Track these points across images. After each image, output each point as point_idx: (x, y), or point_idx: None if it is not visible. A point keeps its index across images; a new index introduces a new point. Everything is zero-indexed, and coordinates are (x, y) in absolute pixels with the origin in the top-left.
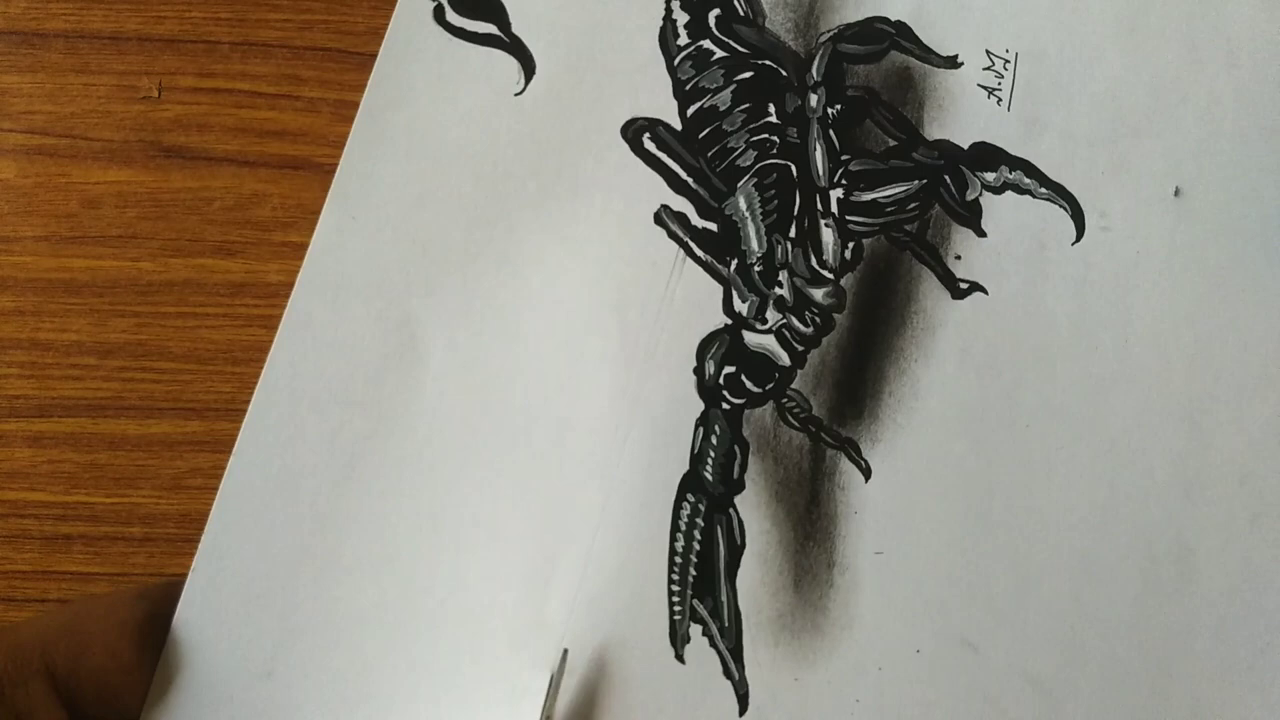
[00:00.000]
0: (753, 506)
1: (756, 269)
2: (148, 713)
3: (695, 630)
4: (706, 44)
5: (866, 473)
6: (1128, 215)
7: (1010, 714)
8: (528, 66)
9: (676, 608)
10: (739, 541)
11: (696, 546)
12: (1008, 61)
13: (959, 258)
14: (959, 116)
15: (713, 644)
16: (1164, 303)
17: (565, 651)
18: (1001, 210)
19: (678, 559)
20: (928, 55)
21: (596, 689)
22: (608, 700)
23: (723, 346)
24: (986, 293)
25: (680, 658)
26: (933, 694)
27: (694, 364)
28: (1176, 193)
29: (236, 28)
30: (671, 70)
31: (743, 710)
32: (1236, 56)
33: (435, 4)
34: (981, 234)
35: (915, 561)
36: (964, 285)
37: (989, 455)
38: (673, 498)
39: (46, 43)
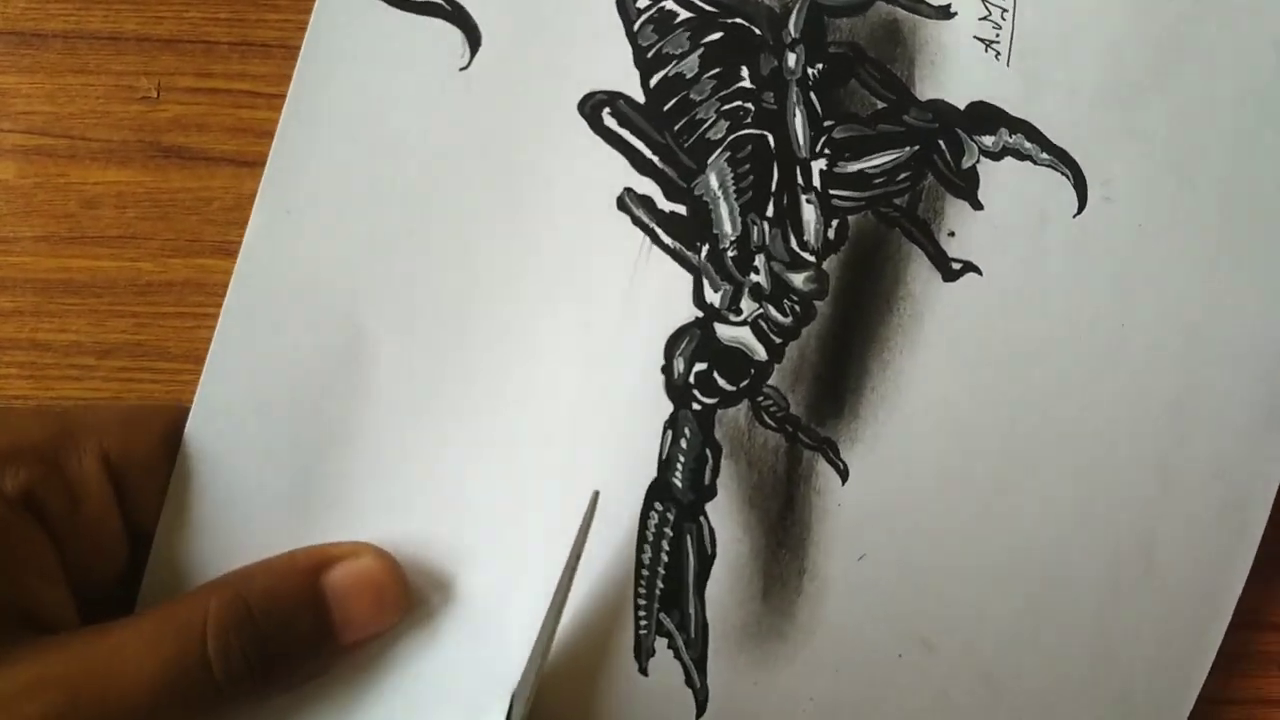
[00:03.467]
0: (724, 513)
1: (730, 254)
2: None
3: (660, 642)
4: (669, 4)
5: (844, 475)
6: (1131, 185)
7: (961, 710)
8: (472, 37)
9: (643, 622)
10: (709, 551)
11: (664, 558)
12: (1005, 10)
13: (952, 234)
14: (954, 73)
15: (677, 656)
16: (1163, 283)
17: (596, 494)
18: (999, 179)
19: (644, 571)
20: (917, 5)
21: (559, 702)
22: (568, 713)
23: (693, 342)
24: (981, 273)
25: (644, 671)
26: (885, 692)
27: (662, 362)
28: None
29: (235, 28)
30: (631, 36)
31: (700, 714)
32: (1232, 19)
33: None
34: (978, 206)
35: (886, 565)
36: (957, 266)
37: (970, 453)
38: (639, 507)
39: (45, 43)
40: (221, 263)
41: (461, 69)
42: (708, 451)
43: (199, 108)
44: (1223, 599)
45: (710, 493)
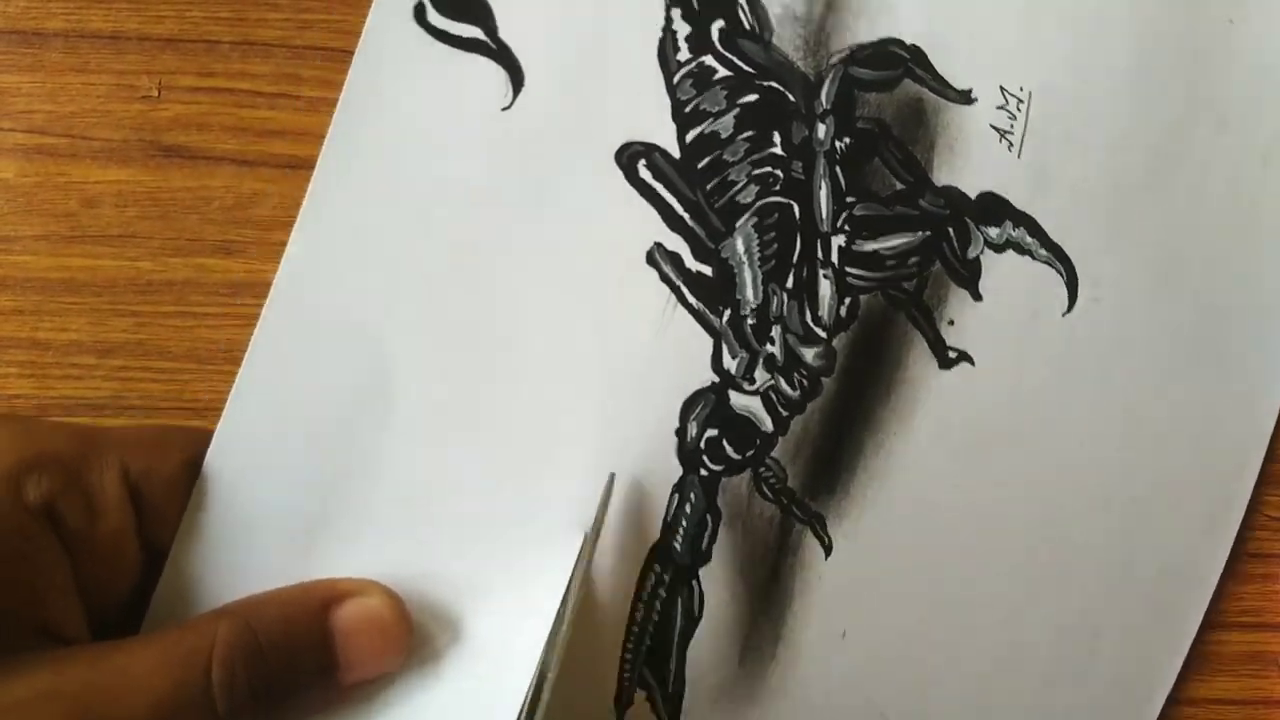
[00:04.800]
0: (714, 579)
1: (750, 322)
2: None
3: (639, 694)
4: (709, 60)
5: (828, 550)
6: (1118, 285)
7: None
8: (516, 78)
9: (626, 675)
10: (696, 614)
11: (655, 617)
12: (1021, 101)
13: (952, 323)
14: (969, 160)
15: (654, 709)
16: (1137, 386)
17: (612, 475)
18: (999, 271)
19: (635, 628)
20: (943, 88)
21: None
22: None
23: (707, 407)
24: (974, 364)
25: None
26: None
27: (676, 424)
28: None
29: (236, 27)
30: (671, 89)
31: None
32: (1227, 120)
33: (416, 2)
34: (978, 297)
35: (855, 639)
36: (953, 355)
37: (942, 535)
38: (639, 566)
39: (46, 42)
40: (222, 262)
41: (503, 109)
42: (709, 518)
43: (200, 107)
44: (1158, 685)
45: (706, 558)
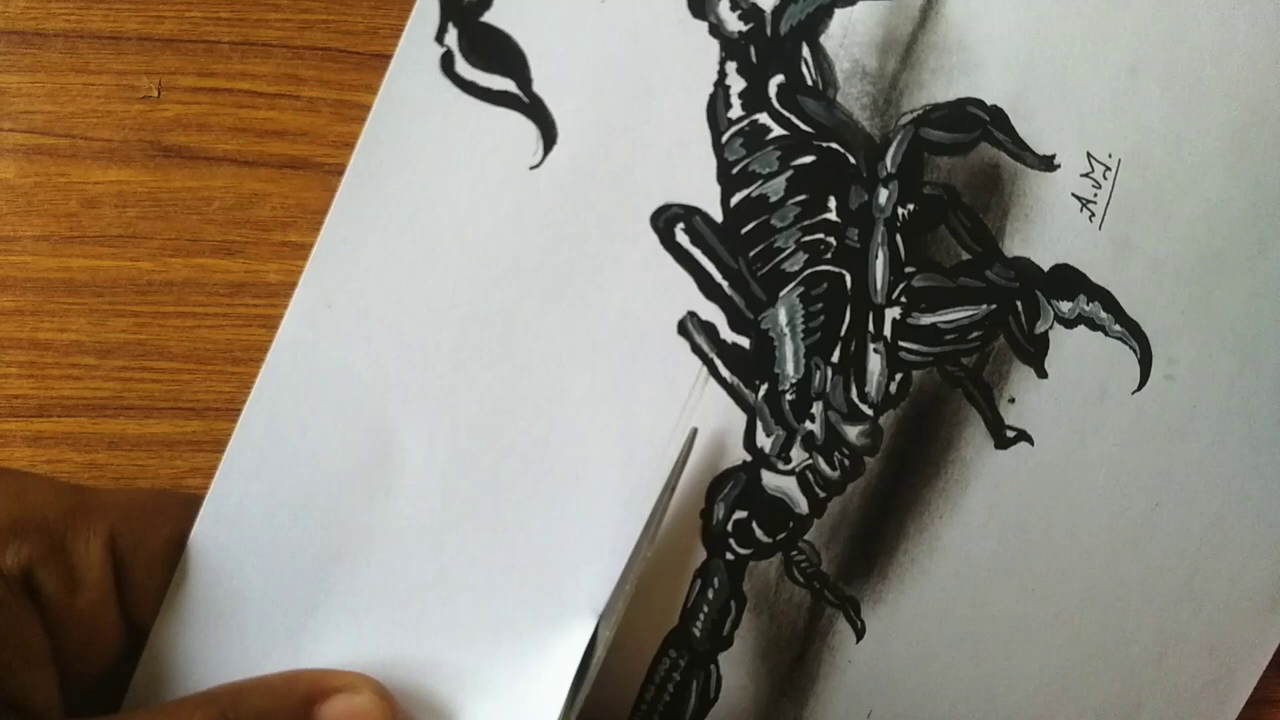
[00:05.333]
0: (735, 662)
1: (788, 398)
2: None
3: None
4: (763, 119)
5: (860, 634)
6: (1194, 364)
7: None
8: (548, 134)
9: None
10: (712, 696)
11: (666, 698)
12: (1109, 169)
13: (1013, 401)
14: (1046, 230)
15: None
16: (1204, 467)
17: (694, 430)
18: (1067, 347)
19: (644, 706)
20: (1022, 153)
21: None
22: None
23: (737, 488)
24: (1033, 444)
25: None
26: None
27: (703, 506)
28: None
29: (236, 27)
30: (718, 148)
31: None
32: None
33: (444, 50)
34: (1043, 375)
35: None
36: (1011, 434)
37: (984, 620)
38: (654, 650)
39: (46, 42)
40: (222, 262)
41: (532, 167)
42: (732, 604)
43: (200, 107)
44: None
45: (727, 643)
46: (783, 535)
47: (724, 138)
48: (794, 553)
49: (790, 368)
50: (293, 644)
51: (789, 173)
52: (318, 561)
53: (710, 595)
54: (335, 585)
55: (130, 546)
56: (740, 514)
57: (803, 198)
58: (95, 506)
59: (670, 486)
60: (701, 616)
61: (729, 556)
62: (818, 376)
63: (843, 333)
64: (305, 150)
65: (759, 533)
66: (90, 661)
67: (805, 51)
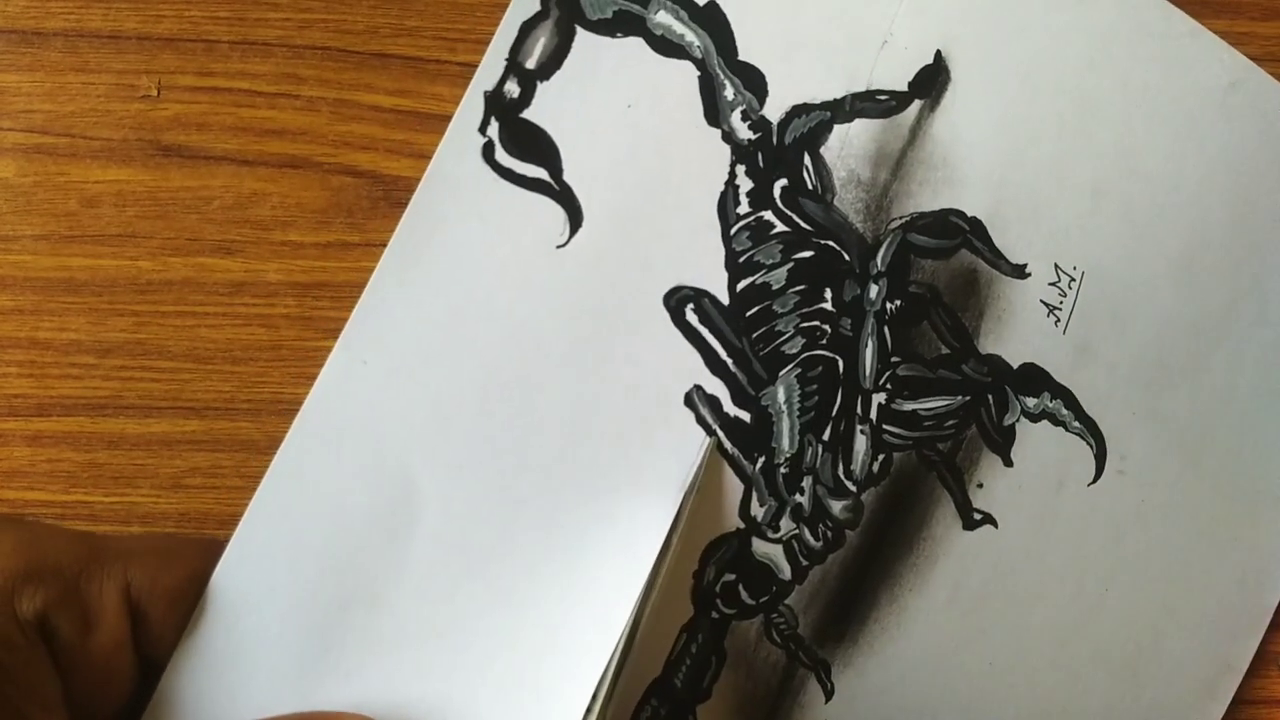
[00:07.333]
0: (712, 714)
1: (783, 471)
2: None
3: None
4: (768, 215)
5: (829, 695)
6: (1144, 461)
7: None
8: (575, 218)
9: None
10: None
11: None
12: (1073, 279)
13: (980, 485)
14: (1015, 332)
15: None
16: (1151, 556)
17: (709, 442)
18: (1031, 439)
19: None
20: (998, 260)
21: None
22: None
23: (729, 552)
24: (997, 526)
25: None
26: None
27: (696, 567)
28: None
29: (235, 26)
30: (727, 239)
31: None
32: (1267, 313)
33: (485, 140)
34: (1009, 463)
35: None
36: (978, 516)
37: (945, 689)
38: (639, 698)
39: (45, 41)
40: (221, 262)
41: (558, 246)
42: (713, 659)
43: (199, 106)
44: None
45: (705, 695)
46: (766, 599)
47: (732, 230)
48: (774, 615)
49: (786, 443)
50: (304, 686)
51: (790, 264)
52: (335, 605)
53: (694, 649)
54: (350, 629)
55: (146, 588)
56: (729, 576)
57: (802, 287)
58: (110, 552)
59: (682, 509)
60: (684, 669)
61: (714, 615)
62: (809, 453)
63: (834, 413)
64: (305, 149)
65: (745, 595)
66: (105, 701)
67: (807, 160)
